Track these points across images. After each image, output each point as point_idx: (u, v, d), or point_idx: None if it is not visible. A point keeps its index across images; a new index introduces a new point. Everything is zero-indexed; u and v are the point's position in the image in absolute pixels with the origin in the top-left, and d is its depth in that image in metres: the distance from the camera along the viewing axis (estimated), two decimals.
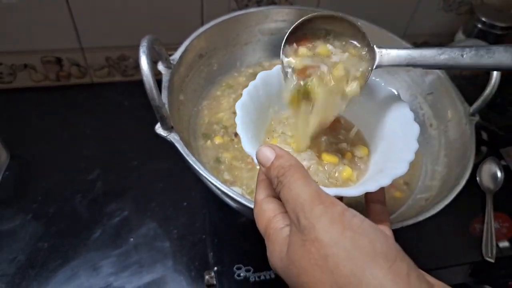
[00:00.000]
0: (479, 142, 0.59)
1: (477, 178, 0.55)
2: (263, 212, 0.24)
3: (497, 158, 0.57)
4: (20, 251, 0.43)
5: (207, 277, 0.41)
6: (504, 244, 0.49)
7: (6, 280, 0.41)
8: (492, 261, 0.46)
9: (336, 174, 0.30)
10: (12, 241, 0.44)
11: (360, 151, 0.31)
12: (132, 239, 0.45)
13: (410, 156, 0.27)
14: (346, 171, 0.30)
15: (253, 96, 0.30)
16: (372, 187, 0.25)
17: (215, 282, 0.41)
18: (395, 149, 0.29)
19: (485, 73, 0.43)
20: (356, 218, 0.20)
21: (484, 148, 0.59)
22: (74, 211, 0.47)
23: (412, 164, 0.46)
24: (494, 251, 0.47)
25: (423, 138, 0.49)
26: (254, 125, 0.30)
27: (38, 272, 0.42)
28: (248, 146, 0.27)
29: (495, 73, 0.40)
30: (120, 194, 0.49)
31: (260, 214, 0.24)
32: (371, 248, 0.19)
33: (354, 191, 0.25)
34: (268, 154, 0.24)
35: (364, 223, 0.20)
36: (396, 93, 0.31)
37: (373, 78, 0.32)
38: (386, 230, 0.25)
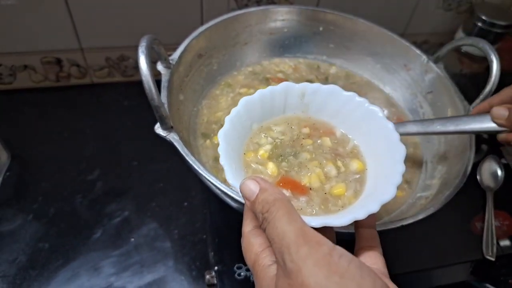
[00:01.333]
0: (479, 140, 0.59)
1: (478, 177, 0.55)
2: (251, 246, 0.24)
3: (498, 157, 0.57)
4: (21, 251, 0.43)
5: (207, 276, 0.41)
6: (505, 242, 0.49)
7: (7, 281, 0.41)
8: (493, 259, 0.46)
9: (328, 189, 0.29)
10: (13, 242, 0.44)
11: (355, 166, 0.30)
12: (132, 239, 0.45)
13: (398, 179, 0.26)
14: (339, 187, 0.29)
15: (236, 123, 0.29)
16: (360, 214, 0.25)
17: (215, 282, 0.41)
18: (382, 171, 0.29)
19: (485, 71, 0.43)
20: (342, 259, 0.20)
21: (484, 147, 0.59)
22: (75, 211, 0.47)
23: (413, 162, 0.47)
24: (495, 250, 0.47)
25: (424, 136, 0.49)
26: (237, 154, 0.29)
27: (39, 272, 0.42)
28: (232, 178, 0.26)
29: (494, 71, 0.40)
30: (120, 194, 0.49)
31: (248, 249, 0.24)
32: None
33: (342, 220, 0.24)
34: (252, 187, 0.23)
35: (351, 265, 0.20)
36: (380, 113, 0.30)
37: (357, 98, 0.31)
38: (377, 257, 0.25)
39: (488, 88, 0.41)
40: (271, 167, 0.29)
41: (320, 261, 0.20)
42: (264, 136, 0.31)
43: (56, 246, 0.44)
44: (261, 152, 0.30)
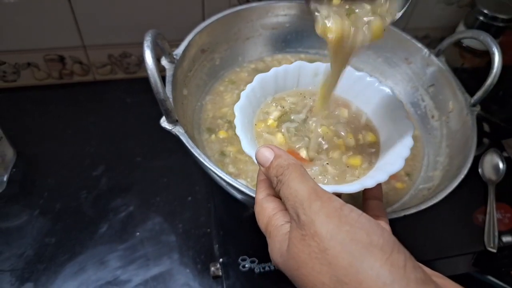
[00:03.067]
0: (481, 134, 0.59)
1: (479, 170, 0.55)
2: (264, 210, 0.25)
3: (499, 150, 0.57)
4: (28, 246, 0.44)
5: (213, 268, 0.42)
6: (506, 234, 0.49)
7: (16, 275, 0.42)
8: (494, 251, 0.47)
9: (345, 160, 0.30)
10: (20, 237, 0.45)
11: (368, 138, 0.32)
12: (138, 233, 0.46)
13: (406, 152, 0.28)
14: (356, 159, 0.30)
15: (251, 98, 0.31)
16: (370, 183, 0.26)
17: (220, 274, 0.41)
18: (392, 146, 0.30)
19: (486, 65, 0.44)
20: (353, 212, 0.21)
21: (486, 140, 0.59)
22: (80, 206, 0.48)
23: (413, 155, 0.47)
24: (496, 241, 0.47)
25: (425, 129, 0.50)
26: (252, 126, 0.31)
27: (46, 266, 0.43)
28: (248, 147, 0.28)
29: (496, 63, 0.40)
30: (125, 189, 0.50)
31: (261, 213, 0.25)
32: (368, 240, 0.20)
33: (352, 187, 0.26)
34: (267, 155, 0.25)
35: (361, 217, 0.21)
36: (390, 91, 0.32)
37: (368, 78, 0.32)
38: (383, 224, 0.26)
39: (489, 80, 0.41)
40: (279, 137, 0.31)
41: (332, 213, 0.21)
42: (275, 105, 0.33)
43: (62, 240, 0.45)
44: (269, 121, 0.32)
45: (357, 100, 0.34)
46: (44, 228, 0.45)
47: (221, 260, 0.42)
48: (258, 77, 0.32)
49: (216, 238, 0.45)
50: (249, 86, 0.31)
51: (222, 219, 0.46)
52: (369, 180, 0.26)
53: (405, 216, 0.33)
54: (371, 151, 0.31)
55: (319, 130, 0.31)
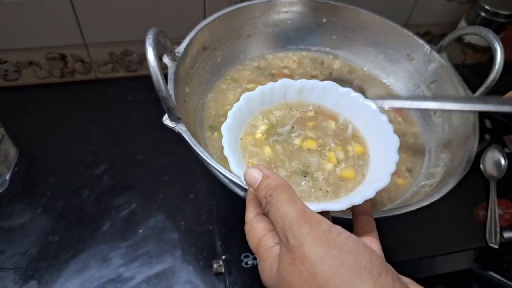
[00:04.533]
0: (482, 130, 0.59)
1: (481, 166, 0.55)
2: (254, 230, 0.25)
3: (501, 146, 0.57)
4: (32, 244, 0.44)
5: (215, 265, 0.42)
6: (508, 230, 0.49)
7: (19, 272, 0.42)
8: (496, 247, 0.47)
9: (338, 173, 0.30)
10: (23, 235, 0.45)
11: (356, 149, 0.32)
12: (140, 231, 0.46)
13: (392, 168, 0.28)
14: (349, 171, 0.30)
15: (238, 117, 0.31)
16: (357, 200, 0.26)
17: (223, 270, 0.42)
18: (378, 161, 0.30)
19: (488, 61, 0.44)
20: (341, 235, 0.21)
21: (487, 136, 0.59)
22: (83, 205, 0.48)
23: (414, 152, 0.47)
24: (498, 237, 0.47)
25: (427, 125, 0.50)
26: (237, 142, 0.31)
27: (49, 264, 0.43)
28: (236, 168, 0.28)
29: (498, 59, 0.40)
30: (127, 187, 0.50)
31: (251, 233, 0.25)
32: (356, 264, 0.20)
33: (340, 205, 0.26)
34: (256, 175, 0.25)
35: (349, 240, 0.21)
36: (374, 107, 0.32)
37: (352, 93, 0.33)
38: (372, 242, 0.26)
39: (492, 76, 0.41)
40: (267, 150, 0.31)
41: (320, 237, 0.21)
42: (261, 118, 0.33)
43: (65, 238, 0.45)
44: (257, 135, 0.32)
45: (345, 113, 0.34)
46: (47, 227, 0.46)
47: (223, 257, 0.43)
48: (245, 96, 0.32)
49: (219, 235, 0.45)
50: (235, 106, 0.32)
51: (224, 216, 0.47)
52: (356, 197, 0.27)
53: (406, 212, 0.33)
54: (360, 163, 0.31)
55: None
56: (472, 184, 0.53)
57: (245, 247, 0.43)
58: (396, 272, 0.21)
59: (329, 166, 0.30)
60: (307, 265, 0.20)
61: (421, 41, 0.50)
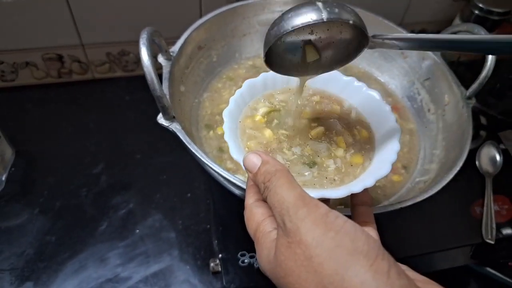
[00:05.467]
0: (477, 126, 0.60)
1: (476, 162, 0.55)
2: (253, 216, 0.25)
3: (496, 142, 0.57)
4: (29, 244, 0.44)
5: (212, 264, 0.42)
6: (504, 226, 0.50)
7: (15, 274, 0.42)
8: (492, 242, 0.47)
9: (348, 159, 0.30)
10: (21, 236, 0.45)
11: (362, 133, 0.32)
12: (138, 230, 0.46)
13: (393, 157, 0.28)
14: (357, 157, 0.30)
15: (239, 103, 0.31)
16: (357, 188, 0.26)
17: (220, 269, 0.42)
18: (381, 147, 0.30)
19: (482, 59, 0.44)
20: (338, 219, 0.21)
21: (483, 133, 0.59)
22: (80, 204, 0.48)
23: (410, 148, 0.47)
24: (494, 233, 0.47)
25: (422, 122, 0.50)
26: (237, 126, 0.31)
27: (47, 264, 0.43)
28: (236, 153, 0.28)
29: (490, 56, 0.41)
30: (124, 187, 0.50)
31: (250, 218, 0.25)
32: (352, 247, 0.20)
33: (339, 192, 0.26)
34: (255, 161, 0.25)
35: (347, 223, 0.21)
36: (378, 96, 0.32)
37: (355, 82, 0.33)
38: (370, 231, 0.26)
39: (484, 73, 0.42)
40: (267, 133, 0.31)
41: (318, 220, 0.21)
42: (263, 101, 0.33)
43: (63, 239, 0.45)
44: (257, 117, 0.32)
45: (349, 100, 0.34)
46: (45, 227, 0.46)
47: (220, 255, 0.43)
48: (246, 82, 0.32)
49: (216, 234, 0.45)
50: (237, 92, 0.31)
51: (221, 215, 0.47)
52: (356, 185, 0.26)
53: (401, 209, 0.33)
54: (367, 147, 0.31)
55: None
56: (468, 180, 0.54)
57: (241, 246, 0.43)
58: (393, 258, 0.21)
59: (339, 152, 0.30)
60: (303, 248, 0.20)
61: None
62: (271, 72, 0.32)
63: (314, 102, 0.33)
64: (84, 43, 0.58)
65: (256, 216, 0.25)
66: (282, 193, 0.22)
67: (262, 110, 0.32)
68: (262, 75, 0.32)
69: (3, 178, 0.49)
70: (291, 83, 0.34)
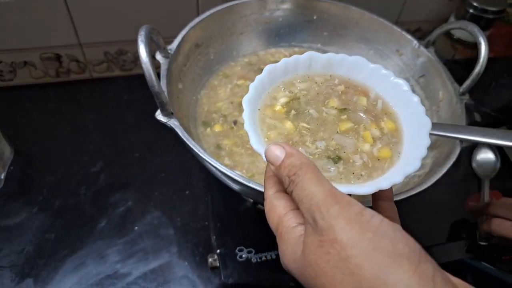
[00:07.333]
0: (472, 123, 0.60)
1: (473, 165, 0.56)
2: (274, 208, 0.24)
3: None
4: (28, 242, 0.44)
5: (210, 259, 0.43)
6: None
7: (16, 270, 0.42)
8: (486, 243, 0.47)
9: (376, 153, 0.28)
10: (20, 234, 0.45)
11: (389, 125, 0.29)
12: (136, 227, 0.47)
13: (423, 152, 0.26)
14: (385, 151, 0.28)
15: (259, 90, 0.29)
16: (385, 184, 0.24)
17: (218, 264, 0.42)
18: (407, 144, 0.28)
19: (477, 56, 0.44)
20: (374, 218, 0.20)
21: None
22: (79, 203, 0.48)
23: None
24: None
25: None
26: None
27: (46, 262, 0.43)
28: (256, 144, 0.26)
29: (482, 53, 0.41)
30: (123, 185, 0.50)
31: (271, 211, 0.24)
32: (393, 249, 0.18)
33: (366, 189, 0.24)
34: (278, 153, 0.23)
35: (383, 223, 0.20)
36: (406, 86, 0.30)
37: (383, 70, 0.31)
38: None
39: (477, 69, 0.42)
40: (288, 125, 0.28)
41: (352, 219, 0.20)
42: (283, 89, 0.30)
43: (62, 236, 0.45)
44: (277, 107, 0.29)
45: (376, 89, 0.31)
46: (44, 225, 0.46)
47: (218, 251, 0.43)
48: (267, 68, 0.30)
49: (214, 230, 0.46)
50: (257, 78, 0.29)
51: (220, 211, 0.47)
52: (384, 182, 0.24)
53: (396, 202, 0.34)
54: (394, 140, 0.28)
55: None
56: (462, 175, 0.54)
57: (239, 242, 0.44)
58: (434, 261, 0.19)
59: (366, 147, 0.28)
60: (338, 248, 0.19)
61: (409, 37, 0.51)
62: (293, 57, 0.30)
63: (340, 92, 0.31)
64: (82, 42, 0.58)
65: (277, 208, 0.23)
66: (310, 188, 0.21)
67: (282, 100, 0.30)
68: (284, 60, 0.30)
69: (2, 177, 0.49)
70: (313, 67, 0.32)
